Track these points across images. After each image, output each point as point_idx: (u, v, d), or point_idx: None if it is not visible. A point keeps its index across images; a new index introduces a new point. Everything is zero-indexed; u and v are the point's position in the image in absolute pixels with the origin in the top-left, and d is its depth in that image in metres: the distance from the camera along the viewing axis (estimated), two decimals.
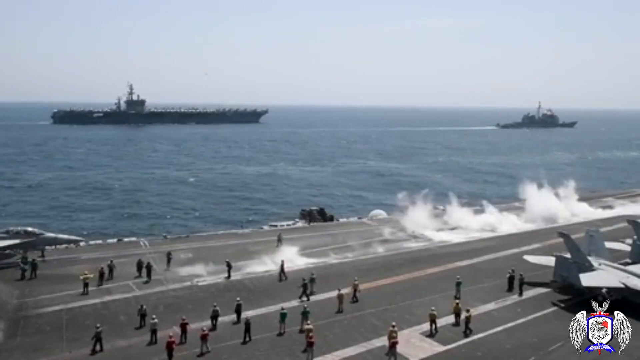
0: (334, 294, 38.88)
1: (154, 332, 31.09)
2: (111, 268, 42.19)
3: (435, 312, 33.14)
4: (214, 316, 33.32)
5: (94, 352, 29.69)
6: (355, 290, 38.32)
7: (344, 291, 36.88)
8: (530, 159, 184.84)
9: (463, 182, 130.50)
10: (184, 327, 31.17)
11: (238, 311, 34.04)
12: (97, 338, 29.77)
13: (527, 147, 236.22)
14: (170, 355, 28.68)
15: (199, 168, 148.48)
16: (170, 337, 29.30)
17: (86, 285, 38.80)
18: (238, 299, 34.93)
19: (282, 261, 43.74)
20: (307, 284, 38.51)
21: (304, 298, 37.79)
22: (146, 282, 41.28)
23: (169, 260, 45.30)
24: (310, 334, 29.63)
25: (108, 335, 31.81)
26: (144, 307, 34.12)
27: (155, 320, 31.46)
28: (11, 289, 39.41)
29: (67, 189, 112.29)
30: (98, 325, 30.35)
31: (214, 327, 32.68)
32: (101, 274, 41.15)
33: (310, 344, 29.20)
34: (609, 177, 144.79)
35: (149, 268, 42.22)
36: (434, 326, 33.03)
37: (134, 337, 31.80)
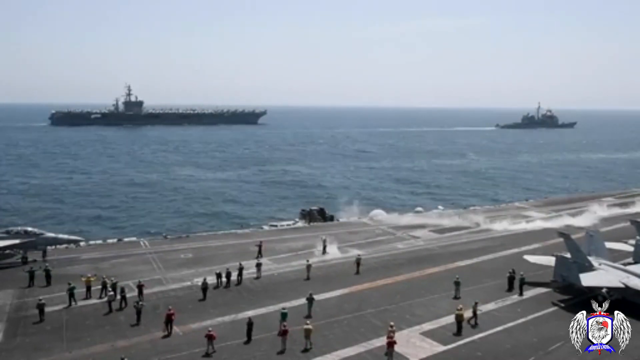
0: (334, 294, 39.23)
1: (111, 303, 35.89)
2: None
3: (462, 311, 33.53)
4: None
5: (41, 320, 33.78)
6: (357, 265, 44.39)
7: (311, 261, 43.85)
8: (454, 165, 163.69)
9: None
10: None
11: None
12: (40, 309, 34.08)
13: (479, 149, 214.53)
14: (168, 324, 31.79)
15: (198, 168, 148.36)
16: (170, 309, 32.27)
17: (89, 289, 38.32)
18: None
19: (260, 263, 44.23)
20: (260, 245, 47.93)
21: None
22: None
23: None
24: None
25: (108, 336, 31.88)
26: (141, 303, 34.91)
27: (113, 295, 36.24)
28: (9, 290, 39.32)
29: (66, 189, 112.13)
30: (40, 298, 34.91)
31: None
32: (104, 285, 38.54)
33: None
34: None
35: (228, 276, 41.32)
36: (465, 321, 33.41)
37: (134, 337, 31.74)
